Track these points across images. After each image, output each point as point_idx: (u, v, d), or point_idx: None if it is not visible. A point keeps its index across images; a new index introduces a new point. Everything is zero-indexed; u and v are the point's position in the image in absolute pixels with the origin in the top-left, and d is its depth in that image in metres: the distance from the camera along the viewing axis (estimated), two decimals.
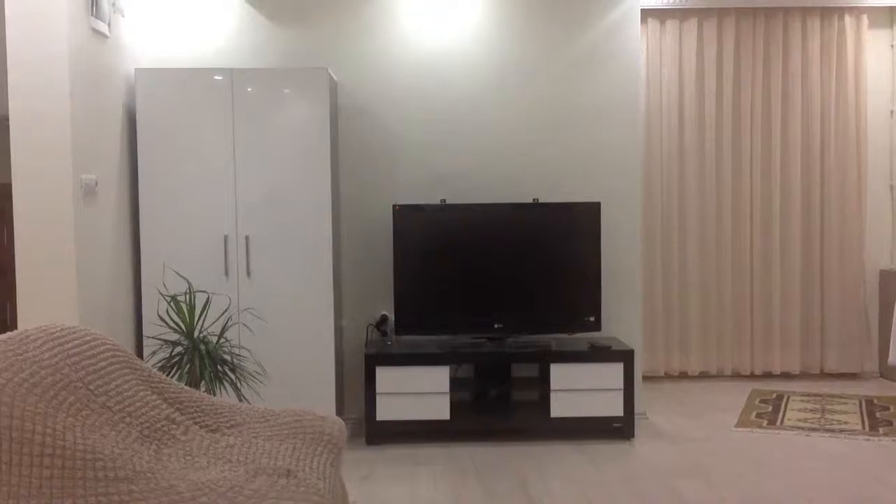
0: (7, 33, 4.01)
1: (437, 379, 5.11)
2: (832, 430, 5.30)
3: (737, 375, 6.80)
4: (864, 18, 6.68)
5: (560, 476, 4.53)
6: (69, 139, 4.09)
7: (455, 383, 5.18)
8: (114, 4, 4.75)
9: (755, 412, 5.76)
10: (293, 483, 2.66)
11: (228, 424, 3.25)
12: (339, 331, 5.35)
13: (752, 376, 6.78)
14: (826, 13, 6.66)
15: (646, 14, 6.32)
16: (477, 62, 5.59)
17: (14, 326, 5.69)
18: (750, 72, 6.68)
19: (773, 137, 6.70)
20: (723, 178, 6.71)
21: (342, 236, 5.55)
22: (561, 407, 5.14)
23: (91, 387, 2.83)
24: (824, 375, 6.80)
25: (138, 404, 2.99)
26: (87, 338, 3.03)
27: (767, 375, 6.79)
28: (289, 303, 5.03)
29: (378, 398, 5.09)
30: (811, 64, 6.68)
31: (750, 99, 6.69)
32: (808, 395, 6.20)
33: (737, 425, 5.46)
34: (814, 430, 5.32)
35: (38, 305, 4.07)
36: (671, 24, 6.62)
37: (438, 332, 5.42)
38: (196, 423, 3.17)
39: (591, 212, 5.38)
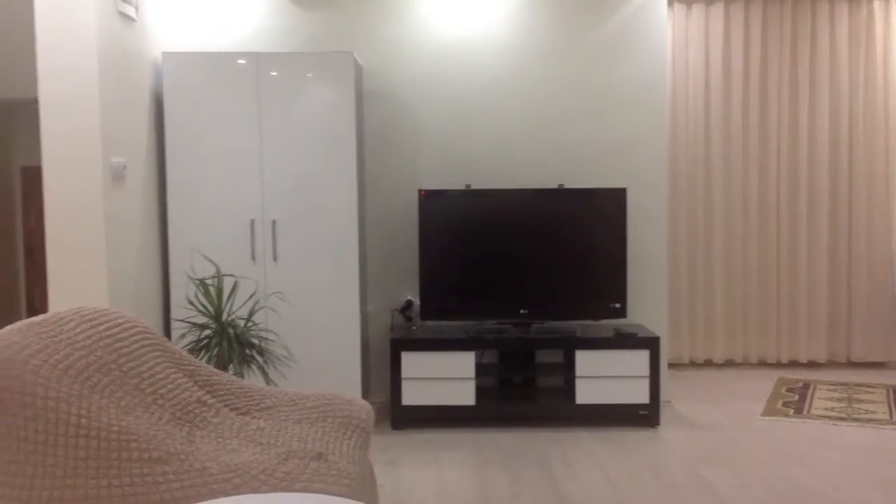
0: (36, 18, 4.03)
1: (462, 364, 5.12)
2: (859, 420, 5.26)
3: (762, 364, 6.77)
4: (893, 3, 6.60)
5: (585, 462, 4.53)
6: (98, 123, 4.11)
7: (480, 369, 5.19)
8: None
9: (781, 401, 5.73)
10: (324, 466, 2.68)
11: (258, 407, 3.27)
12: (364, 315, 5.37)
13: (778, 364, 6.74)
14: None
15: None
16: (503, 46, 5.57)
17: (43, 309, 5.76)
18: (777, 57, 6.61)
19: (799, 123, 6.64)
20: (749, 164, 6.66)
21: (367, 221, 5.55)
22: (586, 393, 5.13)
23: (124, 369, 2.85)
24: (851, 364, 6.76)
25: (170, 386, 3.01)
26: (119, 320, 3.05)
27: (793, 364, 6.75)
28: (315, 287, 5.05)
29: (403, 383, 5.10)
30: (839, 49, 6.61)
31: (777, 84, 6.63)
32: (835, 383, 6.16)
33: (763, 414, 5.44)
34: (841, 419, 5.29)
35: (68, 288, 4.10)
36: (697, 9, 6.57)
37: (463, 318, 5.43)
38: (226, 406, 3.19)
39: (616, 197, 5.35)
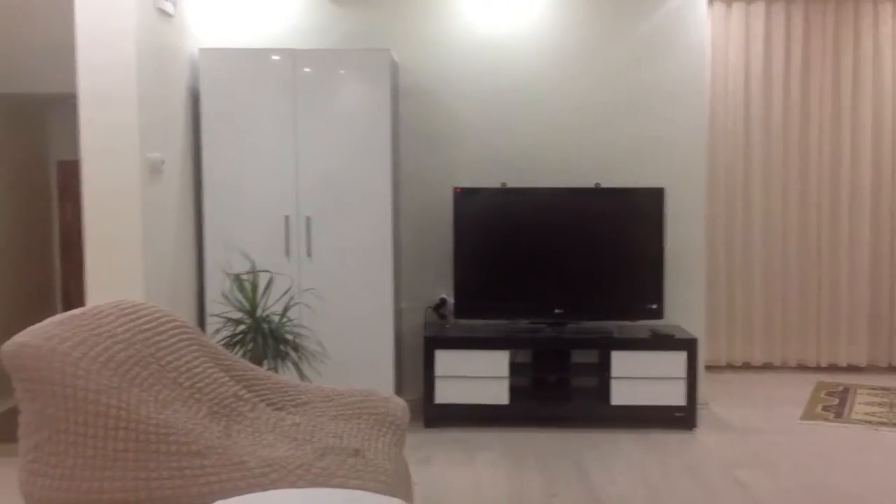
0: (76, 13, 4.05)
1: (496, 363, 5.08)
2: None
3: (801, 367, 6.66)
4: None
5: (621, 464, 4.48)
6: (136, 118, 4.12)
7: (514, 368, 5.15)
8: None
9: (821, 405, 5.63)
10: (361, 463, 2.65)
11: (294, 403, 3.25)
12: (397, 313, 5.34)
13: (818, 368, 6.64)
14: None
15: None
16: (540, 44, 5.52)
17: (78, 302, 5.80)
18: (819, 57, 6.51)
19: (841, 124, 6.53)
20: (790, 164, 6.56)
21: (402, 218, 5.53)
22: (622, 395, 5.07)
23: (162, 362, 2.85)
24: (892, 369, 6.64)
25: (207, 381, 3.01)
26: (157, 314, 3.05)
27: (833, 368, 6.64)
28: (348, 283, 5.03)
29: (437, 381, 5.07)
30: (882, 50, 6.49)
31: (819, 85, 6.52)
32: (876, 388, 6.05)
33: (802, 418, 5.35)
34: (882, 423, 5.19)
35: (105, 281, 4.12)
36: (738, 8, 6.48)
37: (497, 317, 5.39)
38: (263, 401, 3.18)
39: (654, 197, 5.29)
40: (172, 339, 3.00)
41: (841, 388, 6.05)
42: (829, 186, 6.58)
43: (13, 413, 4.36)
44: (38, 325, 2.61)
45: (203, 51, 5.00)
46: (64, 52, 4.35)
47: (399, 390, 5.26)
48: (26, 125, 5.76)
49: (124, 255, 4.14)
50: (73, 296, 6.08)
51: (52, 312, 5.91)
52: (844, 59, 6.50)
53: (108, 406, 2.47)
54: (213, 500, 2.35)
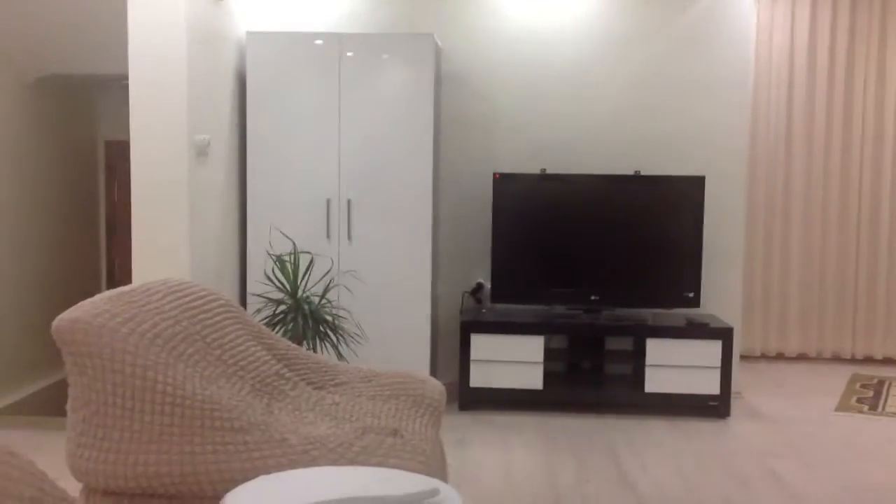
0: None
1: (531, 348, 5.13)
2: None
3: (836, 359, 6.64)
4: None
5: (653, 451, 4.51)
6: (185, 100, 4.21)
7: (549, 353, 5.19)
8: None
9: (856, 397, 5.62)
10: (399, 443, 2.72)
11: (333, 382, 3.33)
12: (435, 296, 5.40)
13: (853, 360, 6.61)
14: None
15: None
16: (583, 32, 5.53)
17: (123, 279, 5.93)
18: (864, 50, 6.44)
19: (885, 117, 6.47)
20: (831, 156, 6.51)
21: (441, 202, 5.59)
22: (656, 382, 5.10)
23: (207, 339, 2.93)
24: None
25: (250, 359, 3.08)
26: (203, 293, 3.13)
27: (868, 360, 6.61)
28: (387, 267, 5.10)
29: (472, 365, 5.13)
30: None
31: (863, 77, 6.45)
32: None
33: (836, 409, 5.34)
34: None
35: (151, 260, 4.22)
36: None
37: (533, 302, 5.43)
38: (303, 380, 3.26)
39: (694, 186, 5.28)
40: (217, 317, 3.08)
41: (876, 381, 6.02)
42: (871, 178, 6.52)
43: (59, 386, 4.49)
44: (88, 301, 2.70)
45: (250, 34, 5.07)
46: (115, 34, 4.45)
47: (434, 373, 5.33)
48: (77, 105, 5.88)
49: (170, 233, 4.24)
50: (118, 273, 6.21)
51: (97, 289, 6.06)
52: (890, 51, 6.42)
53: (154, 381, 2.55)
54: (256, 476, 2.42)
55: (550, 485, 3.99)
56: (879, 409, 5.36)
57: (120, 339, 2.57)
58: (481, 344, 5.13)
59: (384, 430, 2.79)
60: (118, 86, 4.44)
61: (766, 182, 6.55)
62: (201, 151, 4.45)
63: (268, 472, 2.45)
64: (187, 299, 2.98)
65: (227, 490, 2.45)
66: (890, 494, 3.94)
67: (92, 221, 6.14)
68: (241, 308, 3.32)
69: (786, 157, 6.53)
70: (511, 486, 3.98)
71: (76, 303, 2.68)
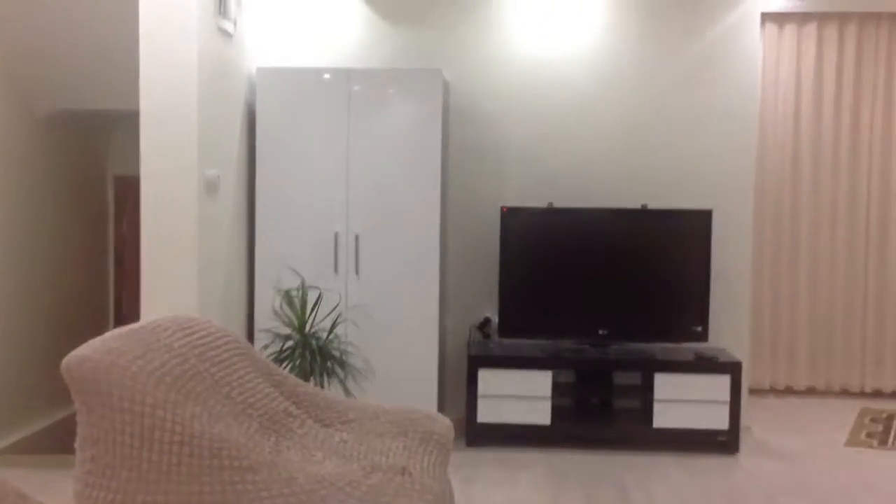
0: (140, 32, 4.17)
1: (539, 383, 5.11)
2: None
3: (845, 392, 6.59)
4: None
5: (662, 488, 4.48)
6: (196, 135, 4.24)
7: (557, 388, 5.17)
8: (240, 4, 4.90)
9: (865, 431, 5.58)
10: (408, 481, 2.71)
11: (341, 420, 3.31)
12: (442, 330, 5.40)
13: (861, 394, 6.57)
14: None
15: (764, 18, 6.16)
16: (590, 65, 5.56)
17: (130, 314, 5.93)
18: (871, 79, 6.46)
19: (892, 149, 6.47)
20: (838, 188, 6.51)
21: (449, 237, 5.59)
22: (664, 417, 5.07)
23: (216, 377, 2.93)
24: None
25: (258, 396, 3.08)
26: (212, 329, 3.13)
27: (877, 394, 6.56)
28: (395, 301, 5.10)
29: (479, 400, 5.11)
30: None
31: (870, 108, 6.47)
32: None
33: (846, 444, 5.30)
34: None
35: (160, 295, 4.23)
36: (790, 29, 6.45)
37: (541, 336, 5.42)
38: (311, 418, 3.25)
39: (701, 220, 5.29)
40: (225, 354, 3.08)
41: (885, 415, 5.97)
42: (878, 211, 6.52)
43: (66, 423, 4.48)
44: (98, 339, 2.70)
45: (260, 69, 5.11)
46: (122, 70, 4.49)
47: (442, 408, 5.31)
48: (87, 140, 5.92)
49: (179, 269, 4.25)
50: (125, 307, 6.22)
51: (105, 325, 6.06)
52: None
53: (163, 420, 2.55)
54: None
55: None
56: (889, 443, 5.32)
57: (129, 378, 2.57)
58: (489, 379, 5.11)
59: (393, 468, 2.78)
60: (127, 121, 4.47)
61: (774, 214, 6.55)
62: (212, 187, 4.47)
63: None
64: (196, 336, 2.98)
65: None
66: None
67: (100, 256, 6.16)
68: (249, 344, 3.32)
69: (792, 189, 6.54)
70: None
71: (84, 337, 2.68)
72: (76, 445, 2.63)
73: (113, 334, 2.75)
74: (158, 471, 2.52)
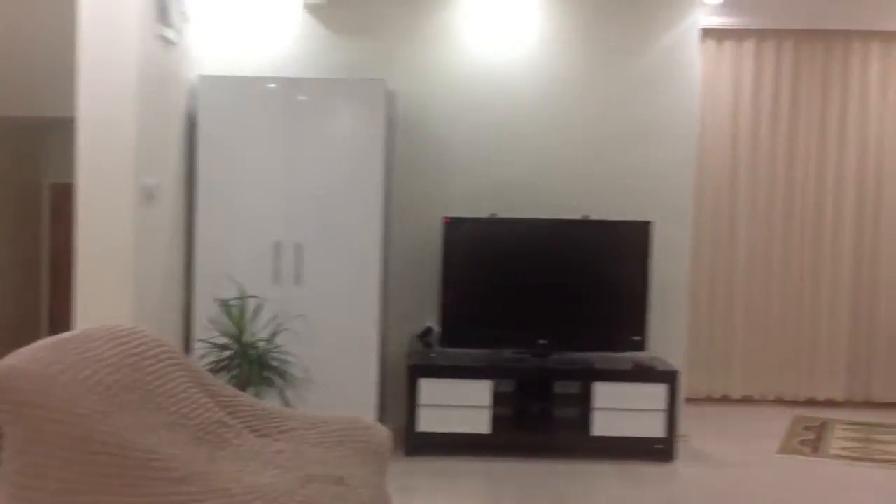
0: (78, 38, 4.12)
1: (479, 392, 5.13)
2: (877, 461, 5.23)
3: (779, 401, 6.73)
4: None
5: (600, 495, 4.52)
6: (134, 143, 4.19)
7: (497, 398, 5.19)
8: (183, 13, 4.85)
9: (798, 439, 5.70)
10: (344, 491, 2.70)
11: (278, 430, 3.29)
12: (383, 340, 5.39)
13: (795, 402, 6.71)
14: (886, 38, 6.58)
15: (703, 34, 6.28)
16: (533, 77, 5.62)
17: (64, 323, 5.82)
18: (806, 95, 6.62)
19: (827, 163, 6.64)
20: (774, 202, 6.66)
21: (391, 247, 5.60)
22: (602, 426, 5.13)
23: (149, 387, 2.89)
24: (870, 404, 6.71)
25: (192, 406, 3.05)
26: (145, 338, 3.10)
27: (811, 402, 6.71)
28: (335, 310, 5.09)
29: (419, 409, 5.11)
30: (870, 90, 6.61)
31: (806, 123, 6.63)
32: (853, 423, 6.12)
33: (779, 451, 5.41)
34: (858, 459, 5.26)
35: (94, 304, 4.16)
36: (729, 45, 6.59)
37: (482, 346, 5.44)
38: (247, 428, 3.22)
39: (641, 231, 5.37)
40: (159, 364, 3.05)
41: (818, 423, 6.12)
42: (813, 224, 6.68)
43: None
44: (26, 349, 2.65)
45: (202, 77, 5.07)
46: (61, 76, 4.42)
47: (382, 418, 5.31)
48: (21, 147, 5.81)
49: (114, 278, 4.19)
50: (60, 317, 6.11)
51: (39, 334, 5.94)
52: (832, 98, 6.61)
53: (92, 430, 2.51)
54: None
55: None
56: (821, 451, 5.44)
57: (58, 388, 2.53)
58: (429, 388, 5.12)
59: (329, 478, 2.77)
60: (63, 128, 4.40)
61: (712, 227, 6.67)
62: (150, 195, 4.42)
63: None
64: (129, 346, 2.94)
65: None
66: None
67: (35, 264, 6.05)
68: (185, 354, 3.29)
69: (730, 202, 6.67)
70: None
71: (17, 347, 2.63)
72: (2, 457, 2.58)
73: (42, 344, 2.70)
74: (88, 482, 2.48)
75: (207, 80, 5.07)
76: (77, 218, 4.17)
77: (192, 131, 5.12)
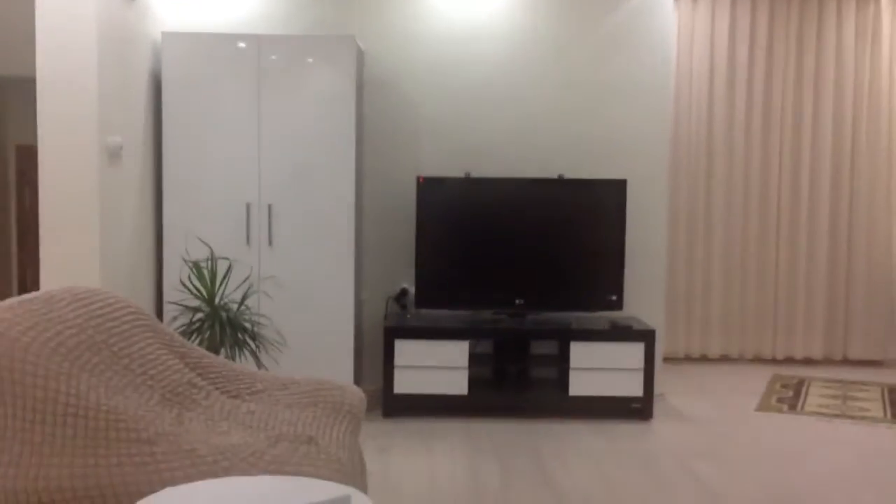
0: None
1: (455, 354, 5.10)
2: (853, 417, 5.25)
3: (758, 360, 6.76)
4: None
5: (577, 454, 4.51)
6: (95, 103, 4.08)
7: (474, 359, 5.16)
8: None
9: (776, 396, 5.72)
10: (314, 451, 2.66)
11: (249, 391, 3.24)
12: (358, 302, 5.34)
13: (774, 361, 6.74)
14: None
15: None
16: (506, 36, 5.53)
17: (35, 288, 5.73)
18: (782, 55, 6.58)
19: (803, 121, 6.62)
20: (751, 160, 6.64)
21: (365, 207, 5.53)
22: (580, 385, 5.12)
23: (114, 349, 2.83)
24: (847, 362, 6.75)
25: (160, 367, 2.99)
26: (111, 300, 3.03)
27: (789, 360, 6.74)
28: (309, 272, 5.02)
29: (396, 371, 5.08)
30: (845, 49, 6.57)
31: (782, 82, 6.60)
32: (830, 381, 6.15)
33: (757, 409, 5.43)
34: (835, 416, 5.28)
35: (60, 267, 4.08)
36: (704, 5, 6.52)
37: (458, 307, 5.40)
38: (217, 389, 3.17)
39: (616, 189, 5.32)
40: (125, 326, 2.98)
41: (796, 381, 6.14)
42: (790, 183, 6.66)
43: None
44: None
45: (166, 34, 4.95)
46: (23, 34, 4.29)
47: (359, 380, 5.27)
48: None
49: (80, 241, 4.10)
50: (30, 282, 6.01)
51: (8, 298, 5.84)
52: (807, 57, 6.57)
53: (56, 392, 2.45)
54: (163, 488, 2.34)
55: (474, 490, 3.96)
56: (798, 408, 5.46)
57: (20, 349, 2.47)
58: (405, 350, 5.08)
59: (299, 438, 2.73)
60: (28, 88, 4.28)
61: (688, 185, 6.64)
62: (113, 154, 4.32)
63: (175, 484, 2.37)
64: (93, 307, 2.87)
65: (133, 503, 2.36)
66: (807, 493, 4.00)
67: (2, 229, 5.93)
68: (153, 316, 3.22)
69: (707, 160, 6.63)
70: (434, 492, 3.93)
71: None
72: None
73: (4, 305, 2.63)
74: (52, 444, 2.42)
75: (171, 37, 4.95)
76: (40, 179, 4.07)
77: (157, 90, 5.01)
